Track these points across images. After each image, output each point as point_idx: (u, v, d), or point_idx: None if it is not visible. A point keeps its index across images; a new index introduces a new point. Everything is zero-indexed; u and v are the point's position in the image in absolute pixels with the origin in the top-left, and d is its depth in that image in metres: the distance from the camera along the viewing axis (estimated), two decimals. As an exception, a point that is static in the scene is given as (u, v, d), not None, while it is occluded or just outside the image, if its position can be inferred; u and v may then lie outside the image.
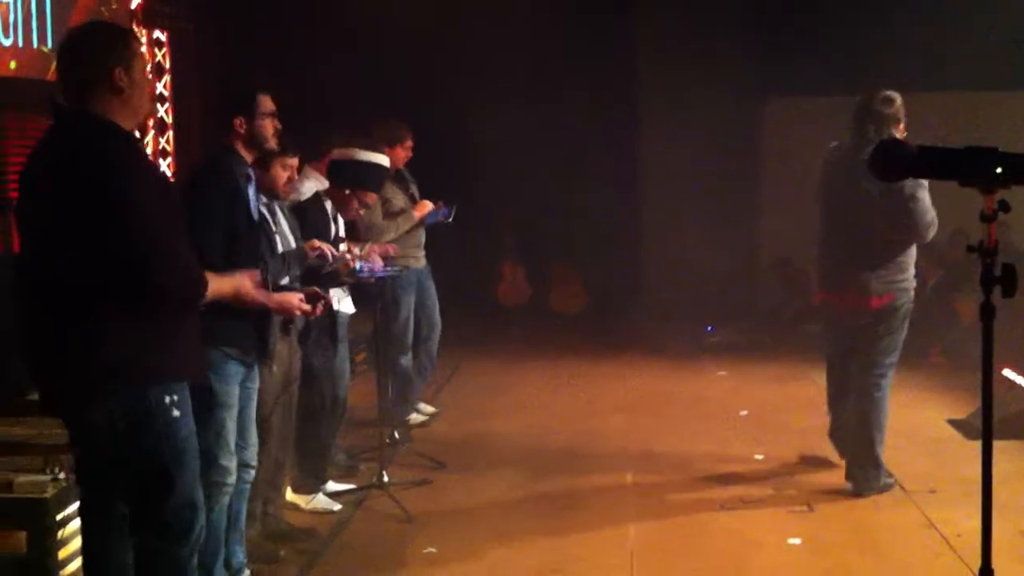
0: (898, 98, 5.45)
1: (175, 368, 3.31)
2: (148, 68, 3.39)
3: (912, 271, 5.56)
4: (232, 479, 4.08)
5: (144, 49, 3.38)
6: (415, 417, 7.03)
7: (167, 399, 3.25)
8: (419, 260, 6.76)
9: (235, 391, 4.06)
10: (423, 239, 6.80)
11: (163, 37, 9.76)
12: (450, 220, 6.72)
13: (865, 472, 5.57)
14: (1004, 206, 2.66)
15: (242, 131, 4.11)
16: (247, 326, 4.04)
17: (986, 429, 2.80)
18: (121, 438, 3.24)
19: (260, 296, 3.86)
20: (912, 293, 5.59)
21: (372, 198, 5.77)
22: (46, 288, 3.22)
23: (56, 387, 3.31)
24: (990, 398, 2.83)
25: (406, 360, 6.74)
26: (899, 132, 5.43)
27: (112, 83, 3.22)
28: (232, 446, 4.06)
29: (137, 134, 3.59)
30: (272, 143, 4.24)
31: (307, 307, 4.27)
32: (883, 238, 5.42)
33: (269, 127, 4.19)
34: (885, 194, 5.18)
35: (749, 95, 11.00)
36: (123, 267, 3.11)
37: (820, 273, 5.78)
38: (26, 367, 3.37)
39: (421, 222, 6.64)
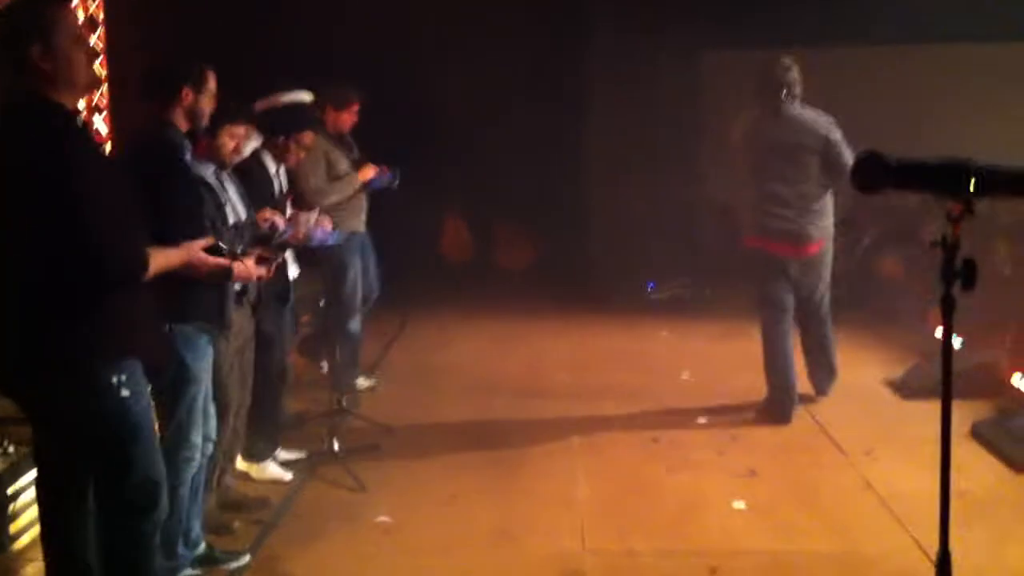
0: (793, 62, 6.18)
1: (122, 347, 3.30)
2: (77, 36, 3.24)
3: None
4: (199, 454, 4.12)
5: (71, 17, 3.24)
6: (361, 382, 7.05)
7: (115, 379, 3.25)
8: (361, 225, 6.72)
9: (206, 366, 4.08)
10: (365, 204, 6.75)
11: (96, -5, 9.55)
12: (395, 185, 6.70)
13: (831, 376, 6.66)
14: (969, 208, 2.76)
15: (187, 101, 4.07)
16: (209, 297, 4.04)
17: (945, 426, 2.89)
18: (72, 419, 3.27)
19: (214, 261, 3.81)
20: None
21: (308, 137, 5.63)
22: None
23: (5, 368, 3.30)
24: (949, 397, 2.92)
25: (354, 324, 6.74)
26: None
27: (32, 63, 3.15)
28: (200, 421, 4.09)
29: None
30: (206, 121, 4.22)
31: (262, 271, 4.30)
32: (818, 185, 6.12)
33: (208, 105, 4.18)
34: (821, 145, 6.04)
35: (688, 49, 11.03)
36: (61, 251, 3.09)
37: (758, 223, 6.24)
38: None
39: (365, 187, 6.59)
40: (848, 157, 5.92)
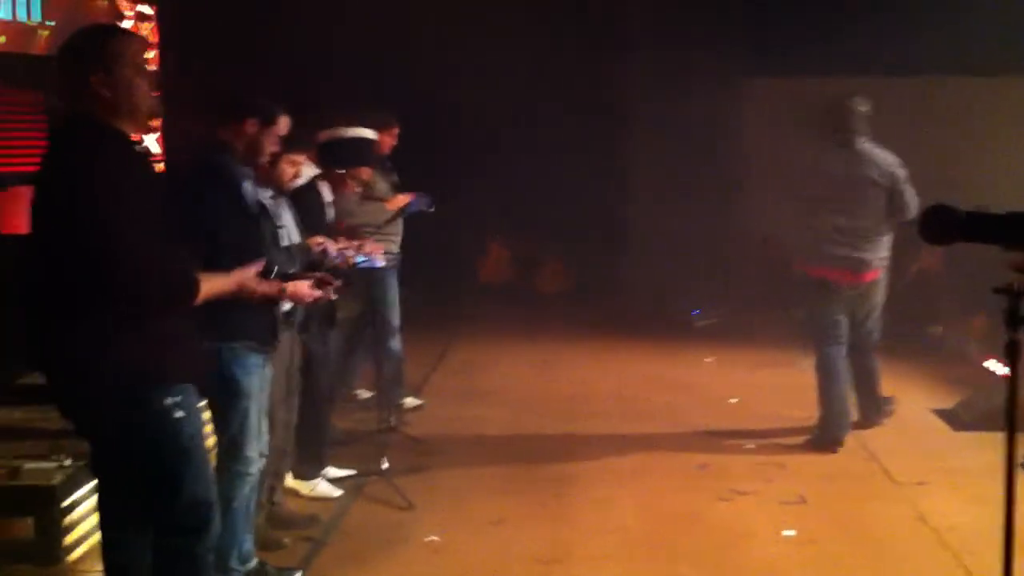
0: (866, 99, 6.37)
1: (175, 370, 3.30)
2: (140, 66, 3.28)
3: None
4: (255, 469, 4.16)
5: (135, 47, 3.28)
6: (410, 401, 7.07)
7: (168, 401, 3.26)
8: (395, 247, 6.72)
9: (257, 382, 4.13)
10: (400, 229, 6.74)
11: (150, 11, 9.70)
12: (432, 210, 6.70)
13: (876, 408, 6.69)
14: None
15: (249, 132, 4.14)
16: (262, 318, 4.08)
17: (1009, 459, 2.87)
18: (125, 441, 3.28)
19: (266, 286, 3.83)
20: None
21: (366, 172, 5.79)
22: (43, 292, 3.24)
23: (61, 388, 3.32)
24: (1014, 431, 2.91)
25: (395, 343, 6.76)
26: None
27: (93, 90, 3.20)
28: (256, 437, 4.12)
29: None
30: (264, 158, 4.29)
31: (318, 292, 4.34)
32: (880, 219, 6.24)
33: (271, 144, 4.26)
34: (889, 182, 6.19)
35: (730, 77, 11.05)
36: (108, 275, 3.09)
37: (818, 251, 6.33)
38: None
39: (401, 212, 6.59)
40: (910, 196, 6.20)
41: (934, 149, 10.39)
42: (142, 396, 3.22)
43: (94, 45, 3.24)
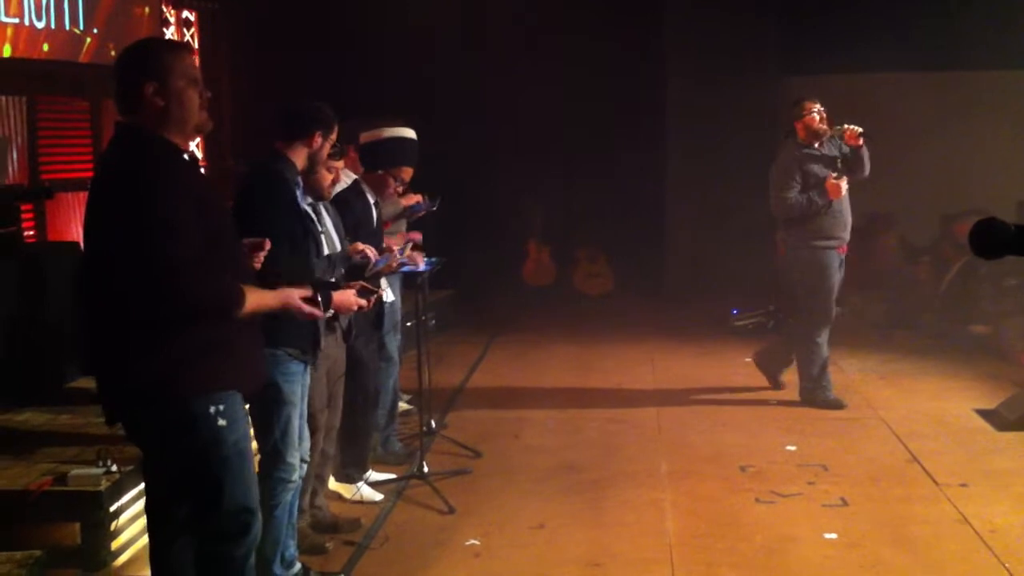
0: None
1: (220, 379, 3.34)
2: (193, 79, 3.33)
3: None
4: (297, 475, 4.21)
5: (189, 60, 3.35)
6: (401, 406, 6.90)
7: (212, 409, 3.29)
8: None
9: (299, 389, 4.19)
10: (403, 227, 6.66)
11: (192, 17, 9.82)
12: (434, 208, 6.68)
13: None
14: None
15: (315, 146, 4.24)
16: (303, 327, 4.13)
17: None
18: (168, 448, 3.33)
19: (309, 310, 3.68)
20: None
21: (408, 172, 5.79)
22: (95, 299, 3.30)
23: (108, 394, 3.37)
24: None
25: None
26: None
27: (146, 99, 3.27)
28: (297, 443, 4.17)
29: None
30: (320, 168, 4.37)
31: (363, 302, 4.37)
32: None
33: (326, 152, 4.40)
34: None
35: (771, 75, 11.03)
36: (151, 283, 3.13)
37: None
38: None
39: (405, 212, 6.56)
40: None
41: (972, 143, 10.37)
42: (186, 404, 3.27)
43: (149, 57, 3.33)
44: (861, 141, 6.92)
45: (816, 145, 7.06)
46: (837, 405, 7.11)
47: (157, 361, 3.22)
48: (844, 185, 6.91)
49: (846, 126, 6.94)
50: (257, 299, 3.40)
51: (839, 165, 7.02)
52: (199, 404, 3.29)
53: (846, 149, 7.04)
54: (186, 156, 3.38)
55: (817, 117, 7.02)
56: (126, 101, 3.32)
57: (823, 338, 7.16)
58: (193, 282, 3.17)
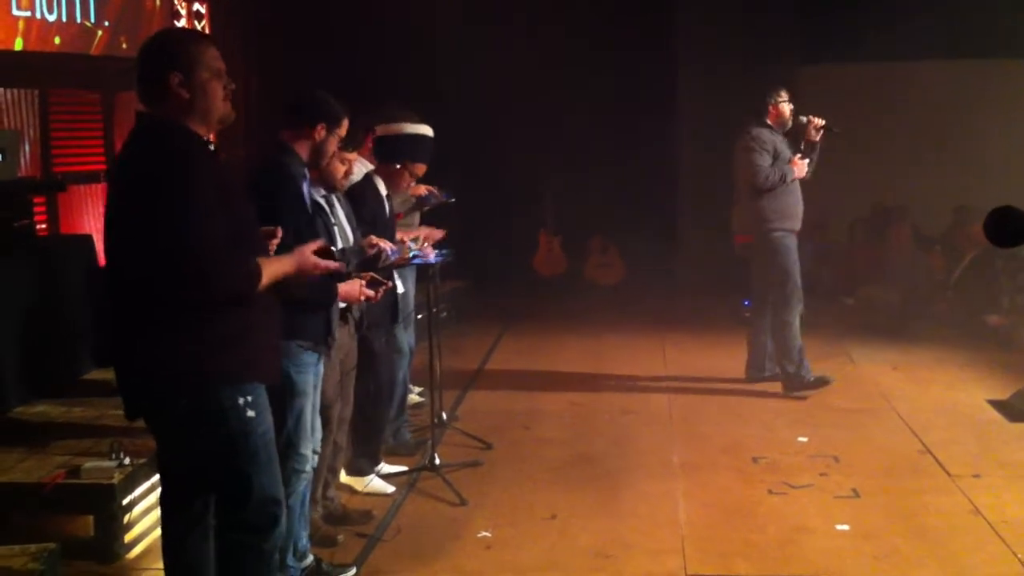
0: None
1: (247, 369, 3.34)
2: (218, 71, 3.34)
3: None
4: (309, 467, 4.23)
5: (213, 52, 3.36)
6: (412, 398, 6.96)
7: (240, 400, 3.30)
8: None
9: (311, 380, 4.19)
10: (416, 220, 6.67)
11: (202, 9, 9.82)
12: (451, 201, 6.68)
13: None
14: None
15: (318, 138, 4.22)
16: (317, 318, 4.14)
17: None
18: (196, 440, 3.31)
19: (325, 263, 3.58)
20: None
21: (421, 168, 5.80)
22: (118, 290, 3.30)
23: (131, 387, 3.36)
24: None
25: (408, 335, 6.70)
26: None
27: (170, 89, 3.27)
28: (309, 434, 4.18)
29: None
30: (326, 161, 4.36)
31: (370, 292, 4.39)
32: None
33: (333, 147, 4.33)
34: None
35: (785, 64, 10.97)
36: (173, 269, 3.13)
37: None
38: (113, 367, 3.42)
39: (418, 205, 6.59)
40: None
41: (988, 132, 10.31)
42: (215, 394, 3.27)
43: (175, 48, 3.32)
44: (819, 136, 7.15)
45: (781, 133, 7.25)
46: (822, 382, 7.21)
47: (186, 351, 3.22)
48: (806, 164, 7.14)
49: (812, 117, 7.14)
50: (273, 268, 3.37)
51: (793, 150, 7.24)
52: (228, 395, 3.28)
53: (803, 144, 7.24)
54: (211, 146, 3.40)
55: (787, 108, 7.19)
56: (150, 92, 3.31)
57: (797, 321, 7.24)
58: (218, 268, 3.16)
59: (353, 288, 4.31)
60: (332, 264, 3.60)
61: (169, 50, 3.32)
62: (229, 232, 3.22)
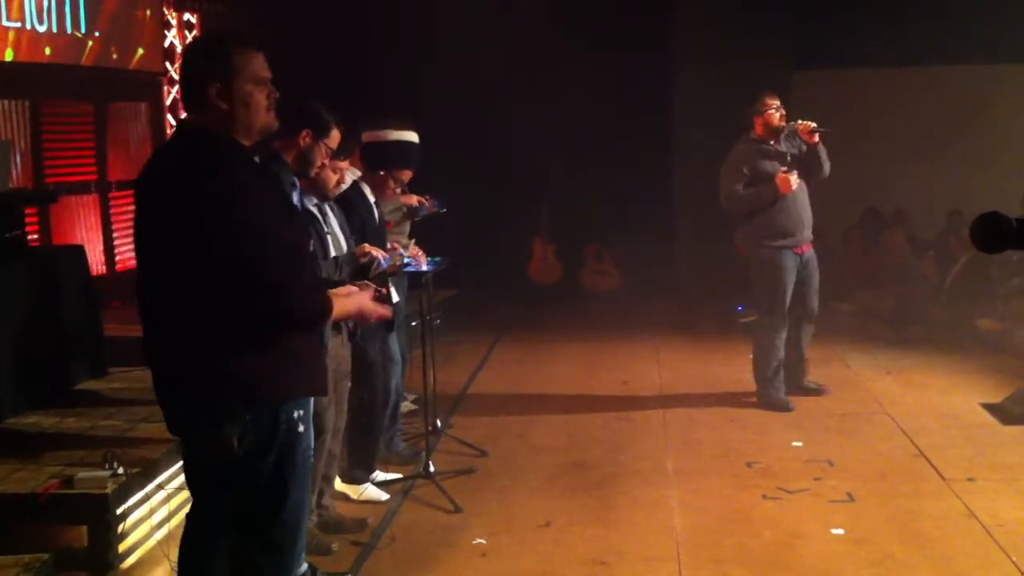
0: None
1: (304, 384, 3.29)
2: (260, 80, 3.20)
3: None
4: None
5: (256, 62, 3.23)
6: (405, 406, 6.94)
7: (296, 414, 3.23)
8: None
9: None
10: (407, 229, 6.71)
11: (194, 20, 9.83)
12: (443, 211, 6.68)
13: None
14: None
15: (303, 144, 4.20)
16: None
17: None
18: (248, 456, 3.18)
19: (380, 311, 3.61)
20: None
21: (407, 175, 5.79)
22: (171, 310, 3.14)
23: (183, 407, 3.23)
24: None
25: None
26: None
27: (211, 100, 3.14)
28: None
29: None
30: (314, 171, 4.35)
31: (385, 312, 4.35)
32: None
33: (322, 157, 4.31)
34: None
35: (782, 70, 11.00)
36: (250, 294, 3.02)
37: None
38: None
39: (411, 214, 6.57)
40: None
41: (982, 137, 10.36)
42: (277, 409, 3.18)
43: (216, 56, 3.18)
44: (816, 138, 6.99)
45: (772, 142, 7.07)
46: (784, 407, 7.05)
47: (247, 369, 3.11)
48: (794, 179, 6.92)
49: (799, 122, 6.99)
50: (340, 308, 3.35)
51: (789, 160, 7.03)
52: (286, 410, 3.21)
53: (805, 148, 7.08)
54: (252, 157, 3.26)
55: (776, 114, 7.02)
56: (191, 100, 3.20)
57: (780, 339, 7.13)
58: (294, 299, 3.09)
59: (366, 306, 4.26)
60: (387, 312, 3.59)
61: (210, 58, 3.18)
62: (292, 253, 3.15)
